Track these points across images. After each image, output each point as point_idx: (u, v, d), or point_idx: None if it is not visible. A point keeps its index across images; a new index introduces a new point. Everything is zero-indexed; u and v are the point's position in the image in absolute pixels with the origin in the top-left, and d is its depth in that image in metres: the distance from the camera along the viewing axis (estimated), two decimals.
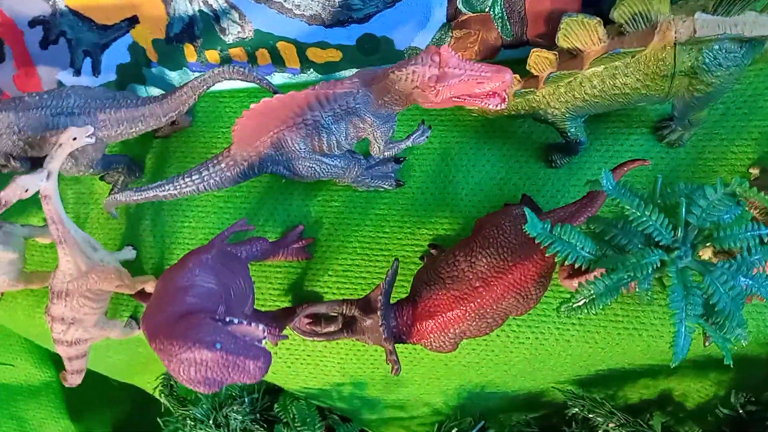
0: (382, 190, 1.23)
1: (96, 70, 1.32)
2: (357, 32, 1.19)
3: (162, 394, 1.56)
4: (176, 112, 1.13)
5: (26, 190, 1.04)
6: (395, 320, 0.99)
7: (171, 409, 1.50)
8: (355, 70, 1.20)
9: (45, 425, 1.94)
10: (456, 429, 1.28)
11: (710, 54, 0.91)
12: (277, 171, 1.06)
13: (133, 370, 1.62)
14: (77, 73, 1.33)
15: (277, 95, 0.96)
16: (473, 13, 1.14)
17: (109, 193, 1.32)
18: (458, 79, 0.87)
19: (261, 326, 0.79)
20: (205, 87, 1.10)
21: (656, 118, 1.15)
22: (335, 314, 1.01)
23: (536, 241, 0.83)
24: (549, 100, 1.04)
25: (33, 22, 1.27)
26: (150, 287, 1.26)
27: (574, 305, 0.79)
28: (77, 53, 1.30)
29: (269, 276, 1.25)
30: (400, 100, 0.95)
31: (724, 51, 0.91)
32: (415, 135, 1.06)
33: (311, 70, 1.27)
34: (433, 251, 1.18)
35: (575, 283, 1.08)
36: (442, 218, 1.21)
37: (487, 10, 1.13)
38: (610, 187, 0.79)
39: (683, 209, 0.76)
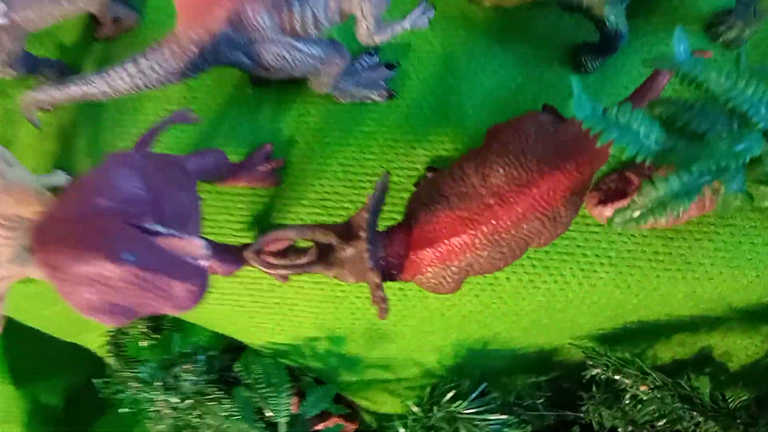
0: (369, 101, 1.01)
1: None
2: None
3: (108, 354, 1.35)
4: None
5: None
6: (383, 250, 0.77)
7: (118, 371, 1.28)
8: None
9: None
10: (452, 393, 1.07)
11: None
12: (235, 60, 0.83)
13: (74, 325, 1.40)
14: None
15: None
16: None
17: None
18: None
19: (201, 241, 0.57)
20: None
21: (709, 12, 0.93)
22: (307, 242, 0.79)
23: (577, 140, 0.61)
24: None
25: None
26: None
27: (635, 213, 0.57)
28: None
29: (229, 206, 1.03)
30: None
31: None
32: (414, 14, 0.83)
33: None
34: (430, 175, 0.96)
35: (608, 211, 0.87)
36: (442, 136, 0.99)
37: None
38: (686, 56, 0.56)
39: None
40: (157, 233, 0.54)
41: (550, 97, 0.96)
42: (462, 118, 0.99)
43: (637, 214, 0.58)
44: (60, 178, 1.08)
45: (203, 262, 0.56)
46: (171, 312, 0.53)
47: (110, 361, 1.35)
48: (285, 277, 0.98)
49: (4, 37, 0.93)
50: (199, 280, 0.53)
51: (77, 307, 0.51)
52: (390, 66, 1.00)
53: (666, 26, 0.94)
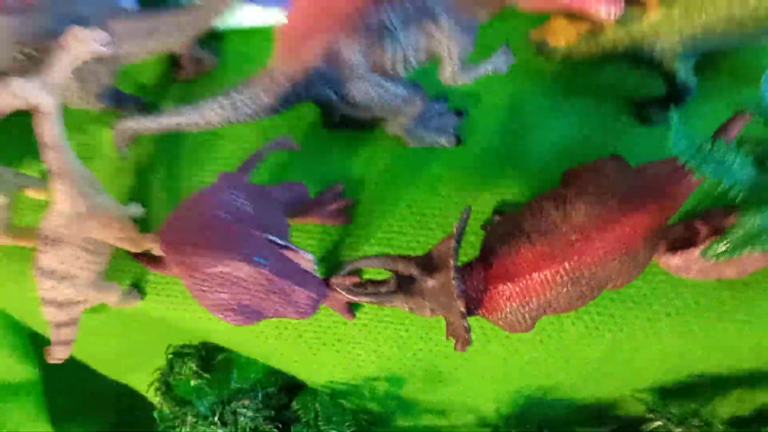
0: (437, 146, 1.05)
1: None
2: None
3: (157, 392, 1.35)
4: (205, 22, 0.95)
5: (15, 97, 0.85)
6: (463, 282, 0.79)
7: (166, 410, 1.28)
8: None
9: (22, 427, 1.72)
10: None
11: None
12: (324, 96, 0.88)
13: (125, 362, 1.41)
14: None
15: None
16: None
17: None
18: None
19: (309, 255, 0.59)
20: None
21: None
22: (389, 272, 0.81)
23: (657, 181, 0.64)
24: (660, 29, 0.86)
25: None
26: (158, 250, 1.07)
27: (724, 247, 0.59)
28: None
29: (299, 242, 1.05)
30: (493, 1, 0.77)
31: None
32: (496, 58, 0.88)
33: None
34: (498, 218, 0.99)
35: (675, 260, 0.89)
36: (509, 182, 1.02)
37: None
38: None
39: None
40: (277, 243, 0.57)
41: (615, 148, 0.99)
42: (527, 166, 1.02)
43: (724, 248, 0.60)
44: (136, 210, 1.12)
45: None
46: (292, 317, 0.55)
47: (158, 400, 1.35)
48: (353, 315, 1.00)
49: (101, 69, 1.00)
50: (318, 289, 0.55)
51: (210, 306, 0.54)
52: (459, 113, 1.05)
53: (734, 82, 0.98)
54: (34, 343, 1.61)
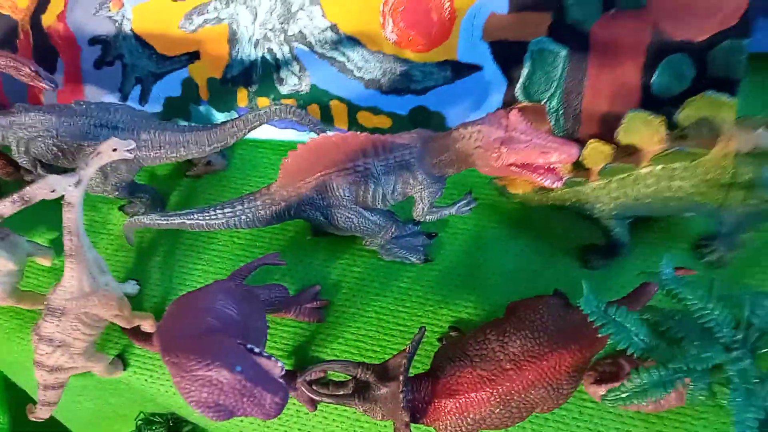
0: (408, 262, 1.19)
1: (144, 99, 1.32)
2: (411, 103, 1.20)
3: None
4: (222, 144, 1.11)
5: (52, 191, 0.99)
6: (411, 394, 0.91)
7: None
8: None
9: None
10: None
11: None
12: (312, 217, 1.02)
13: (99, 423, 1.49)
14: (124, 98, 1.33)
15: (335, 133, 0.95)
16: (529, 102, 1.15)
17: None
18: (524, 145, 0.86)
19: (280, 363, 0.72)
20: (258, 123, 1.08)
21: (697, 235, 1.13)
22: (348, 376, 0.93)
23: (581, 326, 0.78)
24: (599, 194, 1.02)
25: (93, 41, 1.28)
26: (147, 326, 1.19)
27: (623, 395, 0.72)
28: (129, 79, 1.31)
29: (275, 333, 1.18)
30: (456, 162, 0.94)
31: None
32: (460, 203, 1.04)
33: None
34: (453, 333, 1.12)
35: (601, 390, 1.02)
36: (467, 302, 1.16)
37: (543, 101, 1.15)
38: (670, 276, 0.75)
39: (747, 309, 0.72)
40: (253, 352, 0.70)
41: (561, 283, 1.13)
42: (485, 289, 1.16)
43: (625, 395, 0.73)
44: (132, 288, 1.25)
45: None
46: (259, 417, 0.67)
47: None
48: (314, 407, 1.11)
49: (123, 168, 1.14)
50: (283, 394, 0.67)
51: (192, 402, 0.65)
52: (429, 235, 1.20)
53: (662, 242, 1.14)
54: (8, 389, 1.68)
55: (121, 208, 1.32)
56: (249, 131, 1.09)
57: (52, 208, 1.11)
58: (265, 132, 1.30)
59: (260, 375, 0.67)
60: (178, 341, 0.70)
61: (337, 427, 1.13)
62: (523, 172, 0.90)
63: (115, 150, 1.03)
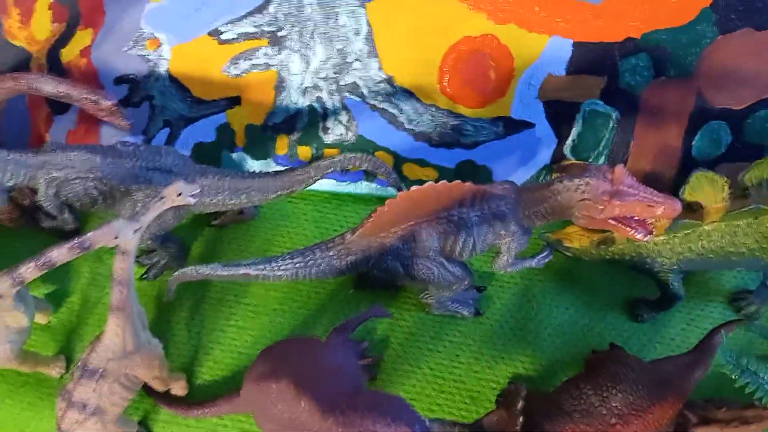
0: (459, 316, 1.17)
1: (171, 143, 1.24)
2: (460, 156, 1.21)
3: None
4: (288, 191, 1.05)
5: (115, 237, 0.90)
6: None
7: None
8: None
9: None
10: None
11: None
12: (390, 267, 0.99)
13: None
14: (147, 142, 1.24)
15: (441, 182, 0.93)
16: (577, 160, 1.20)
17: (141, 276, 1.17)
18: (632, 198, 0.88)
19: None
20: (331, 170, 1.05)
21: (732, 289, 1.21)
22: None
23: (671, 377, 0.81)
24: (661, 249, 1.07)
25: (120, 80, 1.20)
26: (179, 389, 1.09)
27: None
28: (156, 122, 1.23)
29: None
30: (551, 214, 0.95)
31: None
32: (540, 256, 1.05)
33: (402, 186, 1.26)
34: (513, 388, 1.10)
35: None
36: (522, 355, 1.15)
37: (590, 160, 1.19)
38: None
39: None
40: None
41: (613, 337, 1.16)
42: (539, 342, 1.16)
43: None
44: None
45: None
46: None
47: None
48: None
49: (169, 215, 1.06)
50: None
51: None
52: (479, 289, 1.19)
53: (700, 296, 1.20)
54: None
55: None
56: (320, 178, 1.05)
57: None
58: None
59: None
60: (336, 399, 0.64)
61: None
62: (619, 225, 0.92)
63: (179, 195, 0.95)
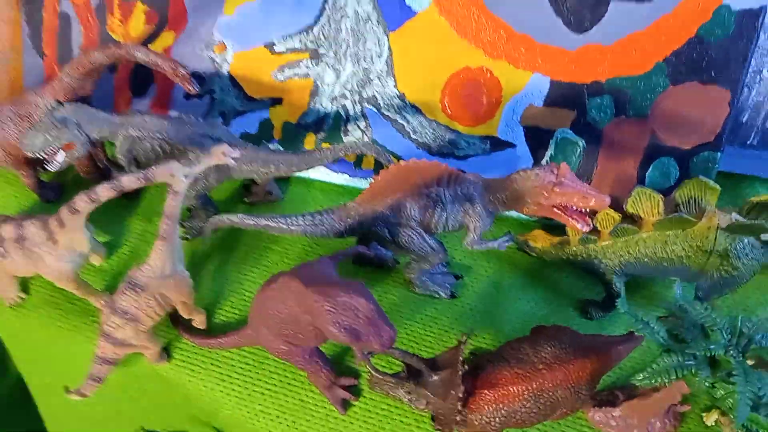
0: (436, 296, 1.39)
1: None
2: (452, 166, 1.46)
3: None
4: (308, 167, 1.31)
5: (171, 175, 1.15)
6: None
7: None
8: None
9: None
10: None
11: (741, 243, 1.20)
12: (379, 232, 1.22)
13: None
14: None
15: (423, 159, 1.17)
16: None
17: (182, 237, 1.42)
18: (571, 189, 1.11)
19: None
20: (342, 154, 1.31)
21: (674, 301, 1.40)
22: (404, 363, 1.11)
23: (596, 345, 1.03)
24: (606, 252, 1.28)
25: (191, 75, 1.49)
26: (199, 321, 1.31)
27: (648, 375, 0.94)
28: (214, 112, 1.52)
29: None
30: (509, 201, 1.18)
31: (750, 245, 1.20)
32: (502, 239, 1.27)
33: None
34: (473, 358, 1.31)
35: (599, 415, 1.22)
36: (485, 334, 1.36)
37: None
38: (681, 294, 1.00)
39: (739, 320, 0.98)
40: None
41: None
42: (500, 325, 1.36)
43: (650, 375, 0.95)
44: None
45: None
46: (375, 347, 0.84)
47: None
48: (345, 409, 1.24)
49: (212, 175, 1.32)
50: (393, 334, 0.85)
51: (329, 320, 0.82)
52: (456, 276, 1.41)
53: (644, 306, 1.39)
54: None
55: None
56: (334, 160, 1.31)
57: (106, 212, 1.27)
58: (320, 173, 1.52)
59: (382, 314, 0.85)
60: (320, 279, 0.88)
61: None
62: (561, 215, 1.15)
63: (224, 154, 1.22)
